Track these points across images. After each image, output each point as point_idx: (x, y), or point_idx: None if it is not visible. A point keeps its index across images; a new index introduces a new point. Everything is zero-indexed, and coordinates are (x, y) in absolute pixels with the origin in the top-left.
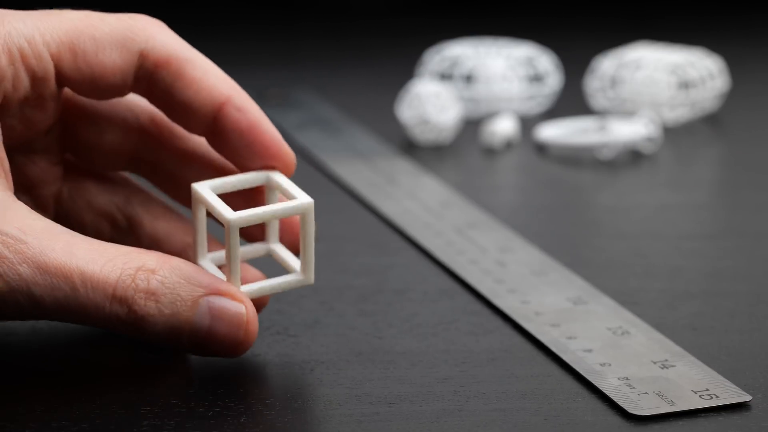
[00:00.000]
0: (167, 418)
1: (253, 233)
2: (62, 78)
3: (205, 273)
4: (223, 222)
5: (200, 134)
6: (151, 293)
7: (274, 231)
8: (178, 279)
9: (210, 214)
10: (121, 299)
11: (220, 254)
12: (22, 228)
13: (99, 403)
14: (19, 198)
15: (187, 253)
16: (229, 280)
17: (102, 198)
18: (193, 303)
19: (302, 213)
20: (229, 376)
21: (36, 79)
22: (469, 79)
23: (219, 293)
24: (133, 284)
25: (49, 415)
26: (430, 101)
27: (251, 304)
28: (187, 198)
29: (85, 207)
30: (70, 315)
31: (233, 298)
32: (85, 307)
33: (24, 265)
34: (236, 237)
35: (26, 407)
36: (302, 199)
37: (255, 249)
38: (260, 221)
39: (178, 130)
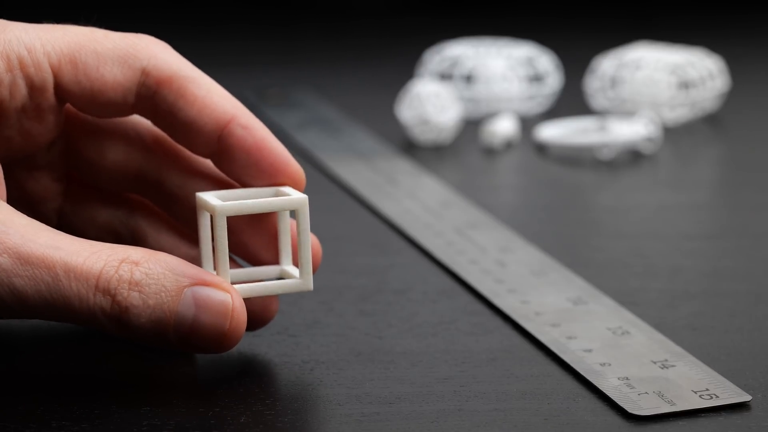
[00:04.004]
0: (167, 418)
1: (265, 256)
2: (61, 90)
3: (191, 265)
4: (210, 211)
5: (205, 155)
6: (134, 284)
7: (286, 252)
8: (162, 270)
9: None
10: (104, 290)
11: (239, 271)
12: (4, 221)
13: (99, 403)
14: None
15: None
16: (217, 273)
17: (105, 213)
18: (177, 293)
19: (295, 208)
20: (229, 376)
21: (34, 89)
22: (469, 79)
23: (204, 283)
24: (116, 275)
25: (49, 415)
26: (430, 101)
27: (238, 295)
28: (191, 220)
29: (88, 222)
30: (55, 309)
31: (219, 288)
32: (69, 299)
33: (4, 255)
34: (224, 227)
35: (26, 407)
36: (296, 195)
37: (268, 271)
38: (248, 212)
39: (183, 150)
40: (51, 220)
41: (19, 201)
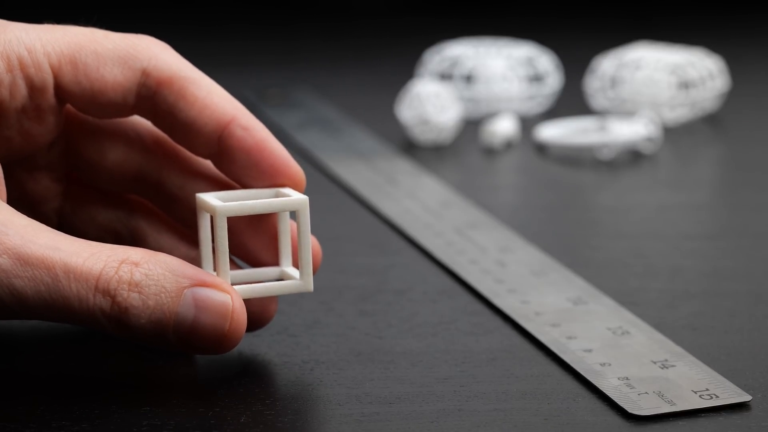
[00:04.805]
0: (167, 418)
1: (265, 257)
2: (62, 91)
3: (191, 266)
4: (210, 212)
5: (205, 156)
6: (134, 285)
7: (286, 254)
8: (162, 271)
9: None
10: (104, 291)
11: (239, 272)
12: (4, 222)
13: (99, 403)
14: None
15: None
16: (217, 273)
17: (105, 213)
18: (177, 294)
19: (296, 209)
20: (229, 376)
21: (34, 90)
22: (469, 79)
23: (204, 284)
24: (116, 276)
25: (49, 415)
26: (430, 101)
27: (238, 296)
28: (191, 221)
29: (89, 222)
30: (55, 310)
31: (219, 289)
32: (69, 299)
33: (4, 256)
34: (224, 228)
35: (26, 407)
36: (296, 195)
37: (268, 272)
38: (249, 213)
39: (183, 151)
40: (51, 221)
41: (19, 201)
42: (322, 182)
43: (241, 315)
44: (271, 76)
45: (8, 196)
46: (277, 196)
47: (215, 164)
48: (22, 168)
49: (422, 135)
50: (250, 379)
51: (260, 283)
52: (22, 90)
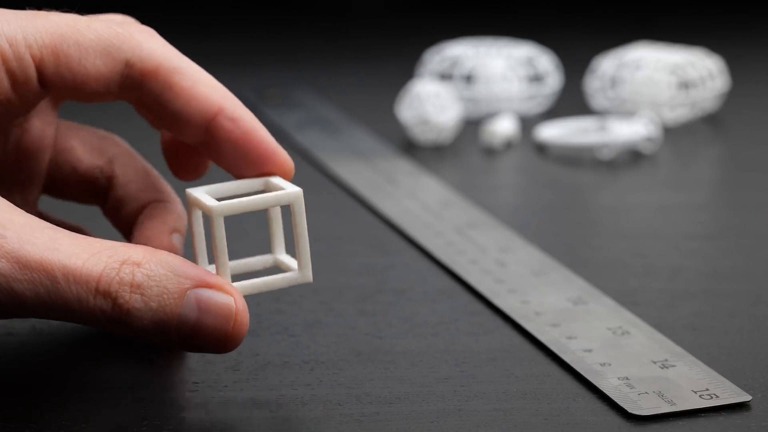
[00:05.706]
0: (167, 418)
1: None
2: (44, 80)
3: (193, 265)
4: (206, 211)
5: (194, 144)
6: (136, 286)
7: (279, 241)
8: (164, 272)
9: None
10: (105, 293)
11: (233, 263)
12: (2, 222)
13: (98, 403)
14: (11, 171)
15: (165, 207)
16: (217, 273)
17: (87, 161)
18: (179, 295)
19: (290, 203)
20: (229, 376)
21: (17, 83)
22: (469, 79)
23: (207, 285)
24: (117, 277)
25: (49, 415)
26: (430, 101)
27: (241, 297)
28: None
29: (71, 173)
30: (54, 311)
31: (222, 290)
32: (68, 301)
33: (2, 260)
34: (221, 227)
35: (26, 407)
36: (290, 188)
37: (262, 260)
38: (245, 210)
39: None
40: (41, 175)
41: (17, 151)
42: (322, 182)
43: (244, 316)
44: (271, 76)
45: (5, 149)
46: (266, 186)
47: (204, 152)
48: (15, 123)
49: (422, 135)
50: (250, 379)
51: (259, 278)
52: (4, 83)
